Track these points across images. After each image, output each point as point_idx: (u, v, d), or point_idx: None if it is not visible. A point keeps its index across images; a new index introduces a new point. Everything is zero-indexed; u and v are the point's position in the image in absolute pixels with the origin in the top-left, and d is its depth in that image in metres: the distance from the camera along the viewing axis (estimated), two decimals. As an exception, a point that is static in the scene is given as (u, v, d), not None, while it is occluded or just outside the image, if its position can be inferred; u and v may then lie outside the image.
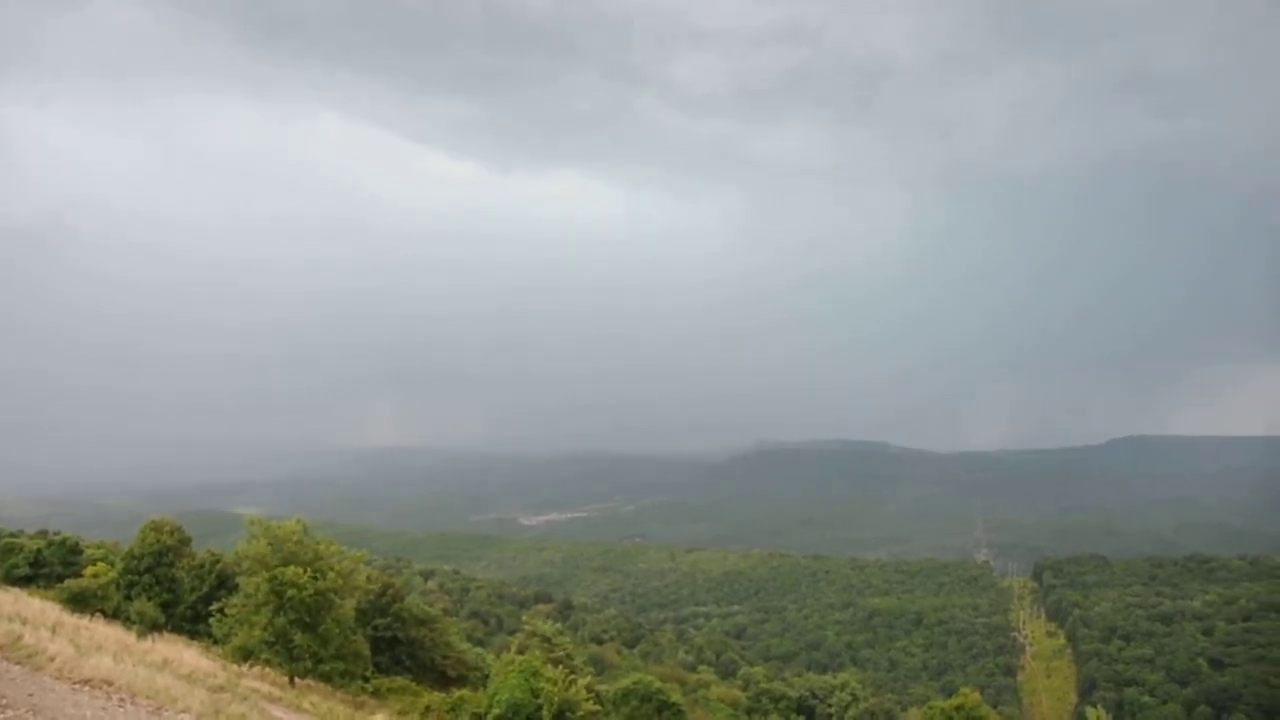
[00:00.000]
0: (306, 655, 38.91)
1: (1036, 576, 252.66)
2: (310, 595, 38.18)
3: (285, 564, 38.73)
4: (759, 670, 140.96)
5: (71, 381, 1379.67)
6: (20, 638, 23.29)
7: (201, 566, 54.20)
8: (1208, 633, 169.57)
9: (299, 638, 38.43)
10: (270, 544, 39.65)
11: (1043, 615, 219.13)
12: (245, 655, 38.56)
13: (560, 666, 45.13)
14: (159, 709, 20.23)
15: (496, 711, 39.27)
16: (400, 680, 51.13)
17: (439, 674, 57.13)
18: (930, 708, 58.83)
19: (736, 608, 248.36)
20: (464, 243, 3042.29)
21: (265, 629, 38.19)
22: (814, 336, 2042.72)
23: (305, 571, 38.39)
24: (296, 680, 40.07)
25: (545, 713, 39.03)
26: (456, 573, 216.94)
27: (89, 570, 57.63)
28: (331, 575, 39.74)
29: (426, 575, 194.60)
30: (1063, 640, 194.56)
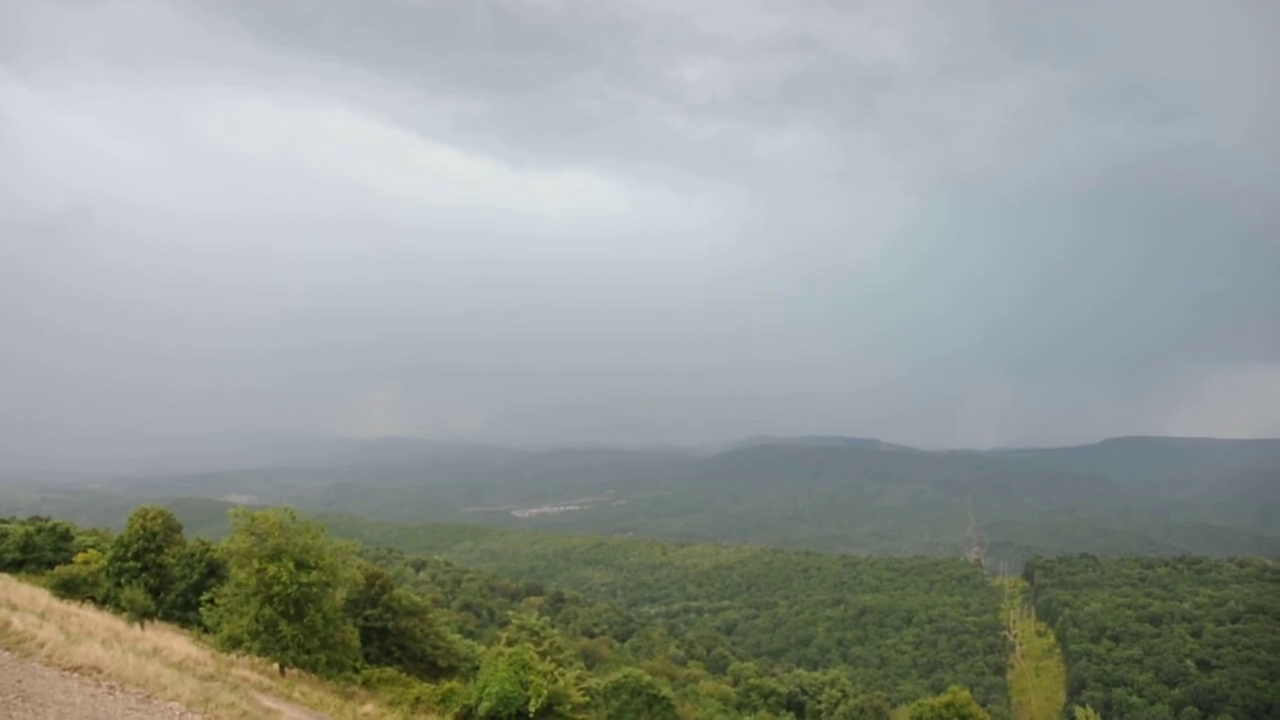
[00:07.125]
0: (292, 645, 38.90)
1: (1027, 576, 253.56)
2: (297, 589, 38.13)
3: (274, 555, 38.63)
4: (749, 666, 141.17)
5: (72, 371, 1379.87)
6: (9, 624, 23.25)
7: (192, 555, 54.08)
8: (1196, 634, 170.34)
9: (285, 627, 38.42)
10: (255, 536, 39.53)
11: (1033, 614, 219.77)
12: (234, 644, 38.61)
13: (548, 659, 45.21)
14: (149, 697, 20.21)
15: (486, 703, 39.35)
16: (390, 671, 50.98)
17: (429, 665, 57.01)
18: (920, 705, 58.92)
19: (727, 603, 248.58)
20: (472, 238, 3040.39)
21: (254, 619, 38.20)
22: (812, 336, 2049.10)
23: (292, 564, 38.33)
24: (287, 670, 40.07)
25: (534, 705, 39.12)
26: (449, 564, 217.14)
27: (79, 557, 57.41)
28: (323, 569, 39.65)
29: (418, 566, 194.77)
30: (1052, 640, 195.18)
